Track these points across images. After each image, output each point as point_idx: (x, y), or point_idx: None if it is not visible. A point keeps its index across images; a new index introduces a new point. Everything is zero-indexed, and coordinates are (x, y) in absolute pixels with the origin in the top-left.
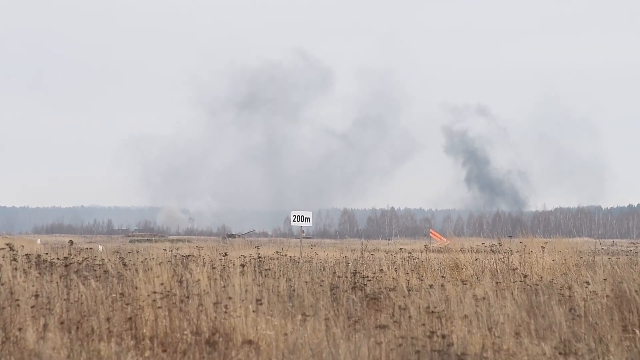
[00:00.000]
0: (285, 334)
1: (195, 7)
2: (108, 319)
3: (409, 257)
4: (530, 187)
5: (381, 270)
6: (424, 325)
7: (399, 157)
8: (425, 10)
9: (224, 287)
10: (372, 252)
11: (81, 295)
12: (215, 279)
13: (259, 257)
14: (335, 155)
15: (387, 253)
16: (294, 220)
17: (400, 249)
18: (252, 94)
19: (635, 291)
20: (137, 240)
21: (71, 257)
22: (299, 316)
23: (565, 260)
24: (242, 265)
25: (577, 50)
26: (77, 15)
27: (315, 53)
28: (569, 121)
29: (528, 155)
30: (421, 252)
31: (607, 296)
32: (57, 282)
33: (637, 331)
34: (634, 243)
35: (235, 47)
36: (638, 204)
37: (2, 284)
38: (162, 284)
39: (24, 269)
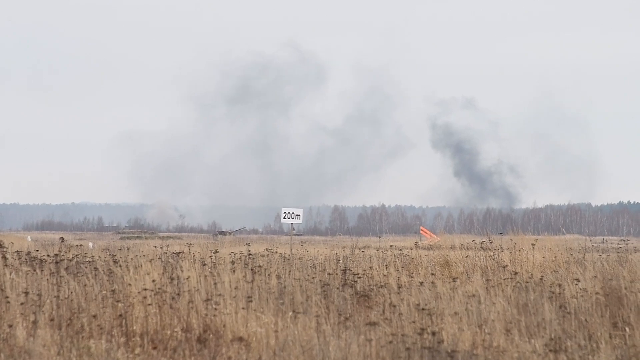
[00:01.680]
0: (276, 331)
1: (188, 2)
2: (95, 316)
3: (399, 254)
4: (521, 183)
5: (371, 267)
6: (414, 322)
7: (390, 154)
8: (421, 6)
9: (215, 284)
10: (363, 249)
11: (71, 292)
12: (206, 276)
13: (250, 254)
14: (326, 152)
15: (377, 250)
16: (284, 218)
17: (391, 246)
18: (244, 89)
19: (625, 288)
20: (128, 237)
21: (61, 254)
22: (290, 313)
23: (555, 257)
24: (233, 263)
25: (570, 47)
26: (68, 12)
27: (309, 48)
28: (560, 118)
29: (519, 151)
30: (411, 249)
31: (597, 293)
32: (47, 279)
33: (627, 328)
34: (624, 240)
35: (227, 41)
36: (628, 202)
37: None
38: (153, 280)
39: (14, 266)
